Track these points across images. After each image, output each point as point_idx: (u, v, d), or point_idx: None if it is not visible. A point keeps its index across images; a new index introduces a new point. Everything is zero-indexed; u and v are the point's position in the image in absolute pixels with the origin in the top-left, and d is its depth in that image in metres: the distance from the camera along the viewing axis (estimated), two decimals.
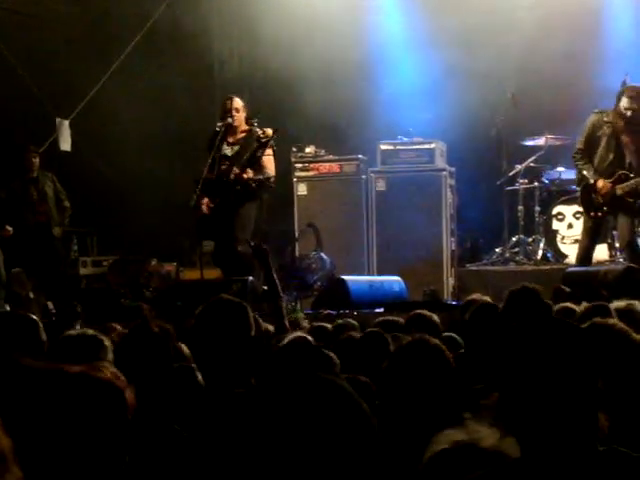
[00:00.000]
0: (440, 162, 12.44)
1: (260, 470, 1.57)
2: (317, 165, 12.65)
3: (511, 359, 2.58)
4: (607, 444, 2.55)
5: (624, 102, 10.37)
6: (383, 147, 12.54)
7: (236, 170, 10.32)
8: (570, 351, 2.53)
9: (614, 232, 11.55)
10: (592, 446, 2.50)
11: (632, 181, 10.40)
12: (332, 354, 3.36)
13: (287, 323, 5.79)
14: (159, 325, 4.20)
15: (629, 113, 10.37)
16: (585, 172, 10.58)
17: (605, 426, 2.62)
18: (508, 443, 2.01)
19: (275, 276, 6.26)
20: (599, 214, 10.55)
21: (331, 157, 12.72)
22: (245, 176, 10.27)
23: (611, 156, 10.46)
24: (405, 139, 12.60)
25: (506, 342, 2.61)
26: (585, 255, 10.69)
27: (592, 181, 10.50)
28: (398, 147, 12.52)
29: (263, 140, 10.29)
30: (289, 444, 1.58)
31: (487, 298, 6.55)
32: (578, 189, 11.21)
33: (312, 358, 2.89)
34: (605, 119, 10.50)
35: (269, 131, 10.37)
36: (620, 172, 10.43)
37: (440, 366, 3.47)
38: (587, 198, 10.63)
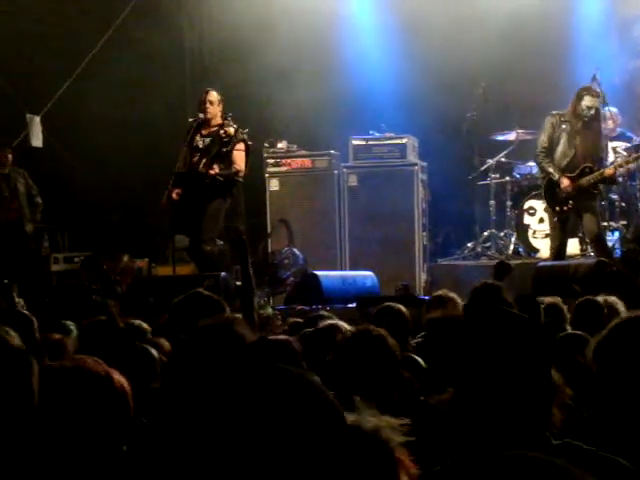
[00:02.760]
0: (412, 157, 12.47)
1: (225, 463, 1.57)
2: (289, 160, 12.64)
3: (465, 354, 2.59)
4: (561, 438, 2.56)
5: (587, 101, 10.54)
6: (355, 142, 12.55)
7: (203, 167, 10.38)
8: (522, 345, 2.55)
9: None
10: (545, 440, 2.51)
11: (596, 173, 10.56)
12: (297, 346, 3.36)
13: (257, 318, 5.79)
14: (126, 321, 4.20)
15: (592, 112, 10.53)
16: (550, 169, 10.71)
17: (559, 420, 2.63)
18: (387, 425, 2.02)
19: (250, 270, 6.25)
20: (564, 208, 10.66)
21: (303, 152, 12.72)
22: (212, 172, 10.32)
23: (572, 152, 10.63)
24: (377, 134, 12.62)
25: (461, 338, 2.63)
26: (559, 250, 10.78)
27: (557, 177, 10.61)
28: (370, 142, 12.54)
29: (225, 139, 10.36)
30: (252, 436, 1.58)
31: (453, 295, 6.56)
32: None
33: (275, 351, 2.90)
34: (562, 119, 10.68)
35: (230, 130, 10.44)
36: (584, 165, 10.57)
37: (384, 355, 3.49)
38: (551, 194, 10.75)
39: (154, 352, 4.29)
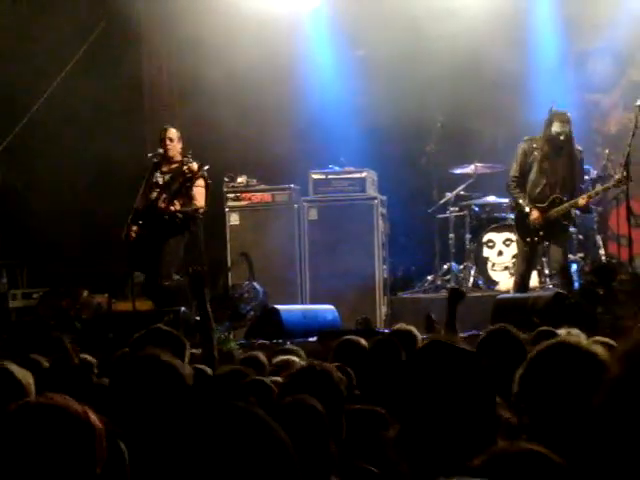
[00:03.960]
0: (371, 191, 12.52)
1: None
2: (249, 195, 12.65)
3: (408, 388, 2.60)
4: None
5: (556, 127, 10.55)
6: (315, 176, 12.59)
7: (163, 203, 10.42)
8: (467, 379, 2.56)
9: (543, 259, 11.71)
10: None
11: (566, 204, 10.60)
12: (269, 382, 3.36)
13: (216, 353, 5.77)
14: (81, 357, 4.17)
15: (562, 137, 10.55)
16: (520, 201, 10.75)
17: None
18: None
19: (208, 305, 6.23)
20: (535, 239, 10.71)
21: (263, 187, 12.73)
22: (172, 208, 10.37)
23: (543, 181, 10.65)
24: (337, 168, 12.66)
25: (404, 371, 2.64)
26: (522, 281, 10.83)
27: (527, 209, 10.65)
28: (330, 176, 12.58)
29: (188, 175, 10.40)
30: (202, 475, 1.58)
31: (411, 327, 6.59)
32: (511, 216, 11.45)
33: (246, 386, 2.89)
34: (534, 145, 10.70)
35: (194, 166, 10.49)
36: (554, 196, 10.62)
37: (329, 390, 3.49)
38: (522, 224, 10.79)
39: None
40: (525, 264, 10.87)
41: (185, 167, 10.50)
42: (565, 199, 10.64)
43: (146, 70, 14.66)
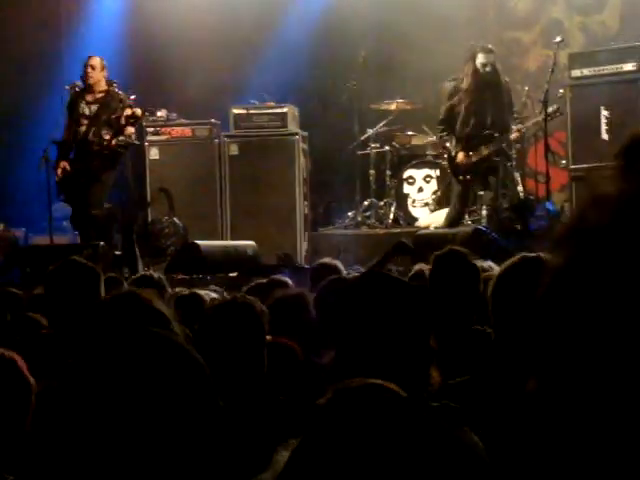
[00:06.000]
0: (293, 126, 12.47)
1: (93, 430, 1.56)
2: (169, 129, 12.52)
3: (344, 317, 2.62)
4: (439, 400, 2.61)
5: (481, 58, 10.40)
6: (235, 111, 12.49)
7: (107, 137, 10.28)
8: (401, 308, 2.59)
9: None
10: (423, 402, 2.56)
11: (497, 141, 10.55)
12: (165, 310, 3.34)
13: None
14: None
15: (488, 68, 10.43)
16: (447, 144, 10.68)
17: (437, 382, 2.69)
18: None
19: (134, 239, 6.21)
20: (468, 177, 10.64)
21: (183, 121, 12.61)
22: (114, 142, 10.25)
23: (472, 120, 10.53)
24: (257, 103, 12.58)
25: (342, 301, 2.66)
26: (456, 218, 10.76)
27: (453, 153, 10.60)
28: (251, 111, 12.50)
29: (132, 121, 10.28)
30: (119, 399, 1.58)
31: (337, 262, 6.64)
32: (431, 152, 11.50)
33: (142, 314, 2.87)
34: (459, 84, 10.61)
35: (138, 111, 10.37)
36: (485, 132, 10.52)
37: (250, 323, 3.50)
38: (453, 165, 10.75)
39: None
40: (460, 202, 10.81)
41: (130, 112, 10.32)
42: (496, 135, 10.55)
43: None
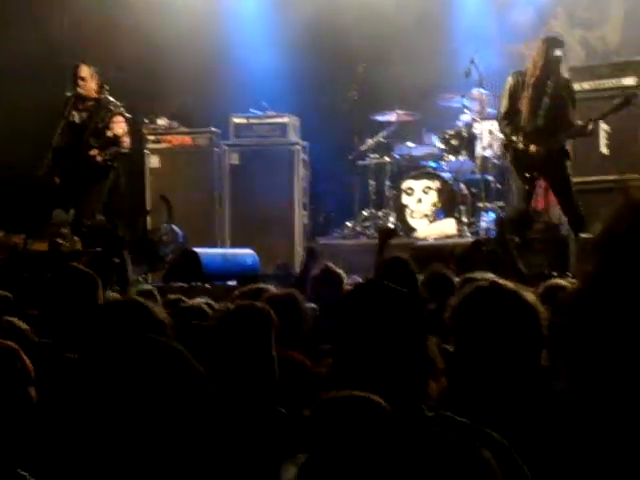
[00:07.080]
0: (293, 136, 12.50)
1: (94, 434, 1.57)
2: (170, 137, 12.55)
3: (344, 325, 2.62)
4: (436, 410, 2.61)
5: (557, 52, 9.86)
6: (236, 120, 12.52)
7: (93, 153, 10.29)
8: (400, 318, 2.59)
9: (461, 207, 11.80)
10: (420, 412, 2.56)
11: (564, 135, 9.93)
12: (163, 317, 3.33)
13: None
14: None
15: (560, 62, 9.95)
16: (514, 137, 10.11)
17: (435, 392, 2.69)
18: None
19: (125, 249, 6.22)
20: (534, 173, 10.05)
21: (184, 129, 12.63)
22: (99, 158, 10.26)
23: (542, 112, 9.90)
24: (258, 112, 12.60)
25: (340, 309, 2.66)
26: (519, 218, 10.07)
27: (521, 146, 9.94)
28: (251, 120, 12.53)
29: (111, 142, 10.32)
30: (120, 406, 1.58)
31: (340, 270, 6.66)
32: (431, 164, 11.39)
33: (141, 320, 2.87)
34: (522, 78, 9.96)
35: (119, 131, 10.48)
36: (555, 125, 9.87)
37: (259, 331, 3.51)
38: (518, 162, 10.12)
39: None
40: (524, 202, 10.15)
41: (111, 133, 10.33)
42: (562, 129, 9.89)
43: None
